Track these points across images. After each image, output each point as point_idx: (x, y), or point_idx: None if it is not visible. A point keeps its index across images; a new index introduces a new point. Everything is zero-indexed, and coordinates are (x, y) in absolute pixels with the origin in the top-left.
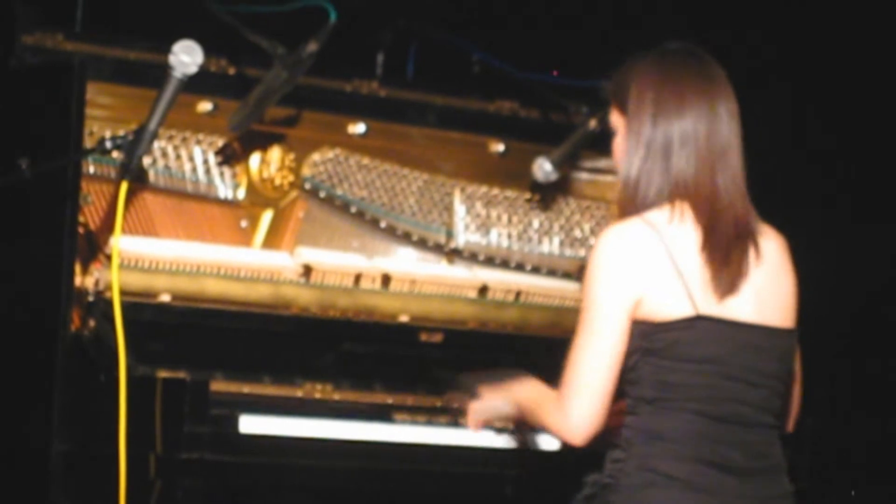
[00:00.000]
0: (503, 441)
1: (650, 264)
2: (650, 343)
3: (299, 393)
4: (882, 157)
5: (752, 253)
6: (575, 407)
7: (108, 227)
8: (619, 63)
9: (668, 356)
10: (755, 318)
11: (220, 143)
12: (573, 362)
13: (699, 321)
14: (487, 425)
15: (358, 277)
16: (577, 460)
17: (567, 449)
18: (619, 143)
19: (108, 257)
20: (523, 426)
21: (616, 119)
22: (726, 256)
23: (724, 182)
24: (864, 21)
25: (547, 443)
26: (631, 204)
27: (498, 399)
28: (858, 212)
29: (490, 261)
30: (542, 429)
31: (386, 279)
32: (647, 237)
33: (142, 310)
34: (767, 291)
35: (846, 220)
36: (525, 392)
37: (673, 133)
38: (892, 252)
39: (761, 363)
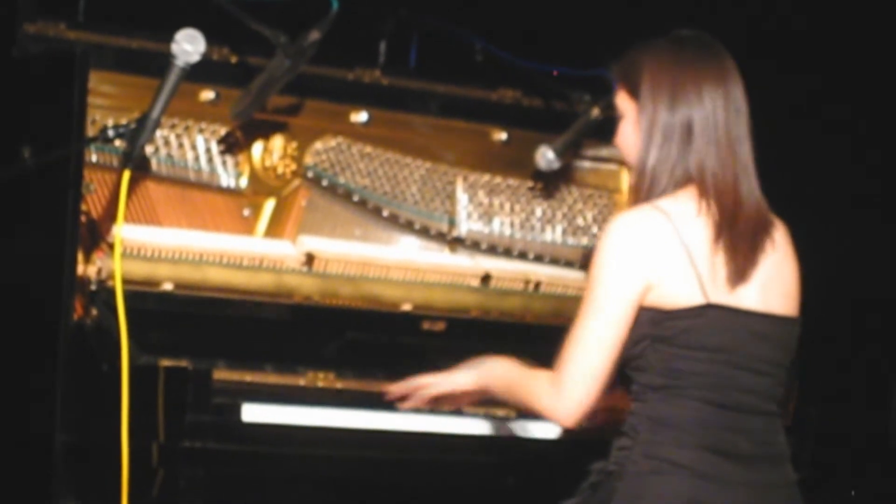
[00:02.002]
0: (506, 430)
1: (662, 251)
2: (660, 330)
3: (302, 381)
4: (882, 148)
5: (765, 243)
6: (571, 388)
7: (110, 215)
8: (621, 50)
9: (677, 344)
10: (760, 307)
11: (223, 131)
12: (574, 343)
13: (709, 309)
14: (449, 404)
15: (360, 266)
16: (582, 448)
17: (570, 436)
18: (626, 128)
19: (111, 246)
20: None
21: (625, 103)
22: (751, 246)
23: (742, 171)
24: (864, 19)
25: (550, 431)
26: (644, 190)
27: (459, 375)
28: (863, 201)
29: (493, 249)
30: (523, 408)
31: (388, 268)
32: (660, 225)
33: (144, 298)
34: (772, 280)
35: (851, 210)
36: (504, 370)
37: (693, 120)
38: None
39: (766, 352)
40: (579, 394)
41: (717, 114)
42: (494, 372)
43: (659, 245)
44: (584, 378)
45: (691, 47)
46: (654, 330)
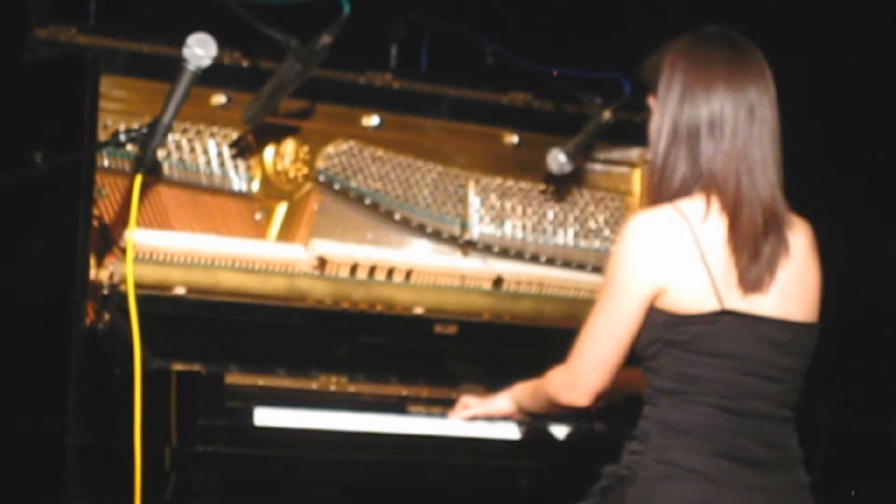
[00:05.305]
0: (518, 433)
1: (678, 254)
2: (673, 335)
3: (314, 385)
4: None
5: (780, 247)
6: (581, 375)
7: (122, 220)
8: (632, 52)
9: (689, 349)
10: (777, 313)
11: (234, 135)
12: (585, 334)
13: (723, 316)
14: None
15: (372, 269)
16: (594, 451)
17: (583, 439)
18: (651, 127)
19: (123, 250)
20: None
21: (650, 101)
22: (755, 251)
23: (749, 172)
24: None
25: (563, 433)
26: (657, 188)
27: (496, 401)
28: (879, 205)
29: (504, 252)
30: (545, 410)
31: (400, 271)
32: (678, 226)
33: (156, 303)
34: (792, 286)
35: (867, 213)
36: (524, 383)
37: (700, 118)
38: None
39: (781, 358)
40: (589, 380)
41: (727, 112)
42: (519, 388)
43: (675, 247)
44: (592, 368)
45: (708, 43)
46: (667, 334)
